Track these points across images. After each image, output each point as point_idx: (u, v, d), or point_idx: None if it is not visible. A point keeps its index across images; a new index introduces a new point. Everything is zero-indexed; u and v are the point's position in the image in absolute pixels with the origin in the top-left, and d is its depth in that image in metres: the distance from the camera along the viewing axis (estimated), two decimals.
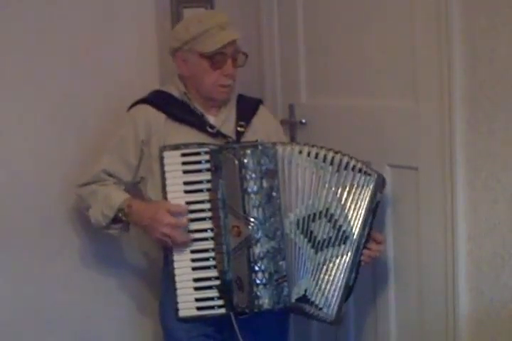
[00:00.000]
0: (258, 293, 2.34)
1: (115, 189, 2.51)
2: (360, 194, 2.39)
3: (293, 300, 2.39)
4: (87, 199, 2.53)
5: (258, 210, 2.33)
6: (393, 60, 2.53)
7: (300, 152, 2.37)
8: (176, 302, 2.38)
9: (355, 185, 2.39)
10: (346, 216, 2.39)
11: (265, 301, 2.35)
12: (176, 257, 2.38)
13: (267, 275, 2.34)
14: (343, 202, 2.39)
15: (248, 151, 2.33)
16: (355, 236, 2.39)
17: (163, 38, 2.80)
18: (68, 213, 2.70)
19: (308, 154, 2.38)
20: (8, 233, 2.62)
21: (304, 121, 2.90)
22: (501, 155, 2.24)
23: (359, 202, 2.39)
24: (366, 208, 2.39)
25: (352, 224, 2.39)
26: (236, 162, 2.32)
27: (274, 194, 2.35)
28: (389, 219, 2.60)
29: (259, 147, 2.35)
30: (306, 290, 2.40)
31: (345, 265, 2.40)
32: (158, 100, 2.53)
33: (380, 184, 2.41)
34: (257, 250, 2.33)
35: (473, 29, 2.26)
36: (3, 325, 2.63)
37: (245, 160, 2.32)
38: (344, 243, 2.40)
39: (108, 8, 2.77)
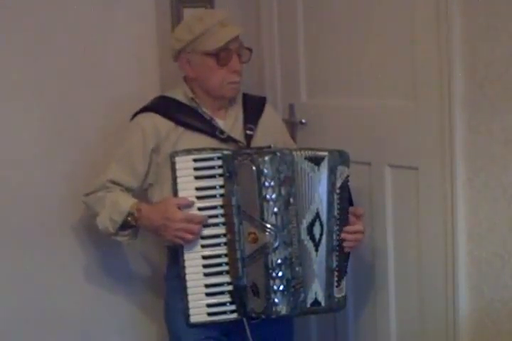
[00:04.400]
0: (276, 300, 2.32)
1: (122, 195, 2.48)
2: (323, 179, 2.36)
3: (308, 305, 2.38)
4: (94, 206, 2.50)
5: (277, 217, 2.31)
6: (393, 60, 2.53)
7: (305, 157, 2.36)
8: (188, 308, 2.36)
9: (323, 174, 2.36)
10: (322, 207, 2.37)
11: (283, 308, 2.33)
12: (187, 263, 2.35)
13: (284, 281, 2.32)
14: (321, 197, 2.37)
15: (266, 158, 2.29)
16: (325, 221, 2.38)
17: (164, 39, 2.80)
18: (70, 215, 2.70)
19: (308, 158, 2.36)
20: (10, 234, 2.62)
21: (304, 121, 2.90)
22: (501, 155, 2.24)
23: (324, 188, 2.37)
24: (327, 189, 2.36)
25: (324, 210, 2.37)
26: (254, 168, 2.29)
27: (291, 201, 2.33)
28: (389, 219, 2.59)
29: (278, 154, 2.32)
30: (316, 293, 2.39)
31: (324, 250, 2.38)
32: (165, 107, 2.51)
33: (336, 160, 2.37)
34: (275, 257, 2.31)
35: (473, 29, 2.26)
36: (3, 325, 2.63)
37: (264, 168, 2.29)
38: (322, 233, 2.38)
39: (108, 8, 2.77)
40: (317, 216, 2.37)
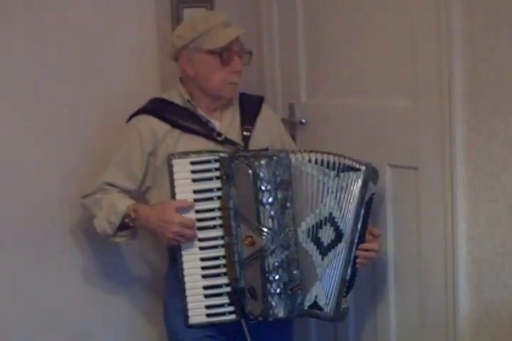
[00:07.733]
0: (273, 303, 2.33)
1: (119, 196, 2.48)
2: (351, 190, 2.38)
3: (306, 308, 2.39)
4: (92, 209, 2.51)
5: (273, 221, 2.31)
6: (393, 59, 2.53)
7: (309, 160, 2.36)
8: (187, 310, 2.37)
9: (349, 183, 2.38)
10: (343, 215, 2.39)
11: (280, 310, 2.34)
12: (185, 265, 2.36)
13: (281, 284, 2.33)
14: (341, 204, 2.39)
15: (263, 162, 2.30)
16: (348, 232, 2.39)
17: (163, 39, 2.80)
18: (70, 215, 2.71)
19: (316, 161, 2.36)
20: (9, 234, 2.62)
21: (304, 121, 2.90)
22: (501, 155, 2.24)
23: (350, 198, 2.38)
24: (357, 202, 2.39)
25: (346, 220, 2.39)
26: (250, 172, 2.29)
27: (288, 204, 2.34)
28: (389, 219, 2.59)
29: (274, 157, 2.32)
30: (316, 296, 2.39)
31: (341, 260, 2.40)
32: (161, 109, 2.50)
33: (370, 175, 2.41)
34: (272, 260, 2.32)
35: (473, 29, 2.26)
36: (3, 324, 2.63)
37: (260, 172, 2.29)
38: (340, 241, 2.40)
39: (108, 8, 2.77)
40: (328, 220, 2.38)
